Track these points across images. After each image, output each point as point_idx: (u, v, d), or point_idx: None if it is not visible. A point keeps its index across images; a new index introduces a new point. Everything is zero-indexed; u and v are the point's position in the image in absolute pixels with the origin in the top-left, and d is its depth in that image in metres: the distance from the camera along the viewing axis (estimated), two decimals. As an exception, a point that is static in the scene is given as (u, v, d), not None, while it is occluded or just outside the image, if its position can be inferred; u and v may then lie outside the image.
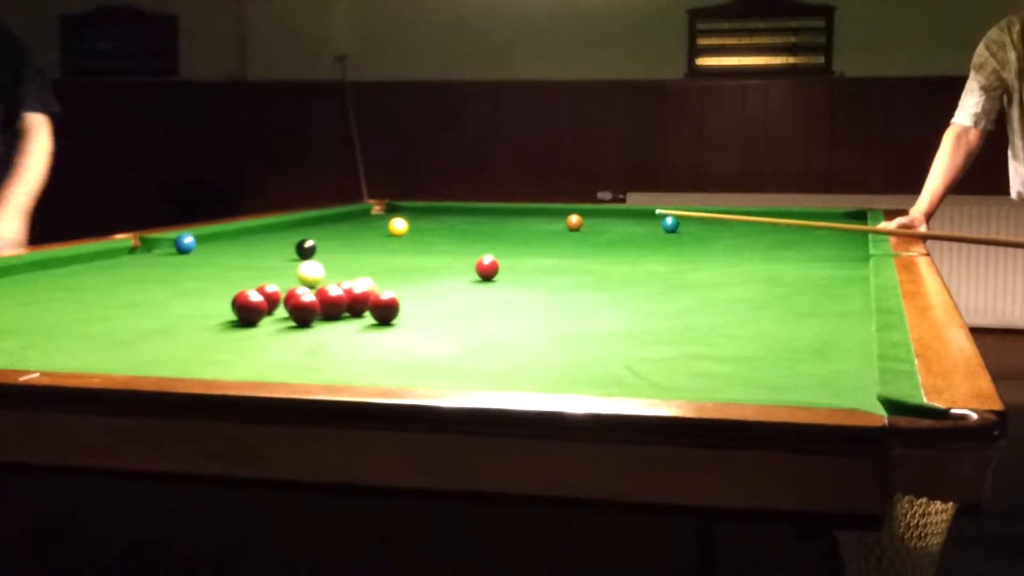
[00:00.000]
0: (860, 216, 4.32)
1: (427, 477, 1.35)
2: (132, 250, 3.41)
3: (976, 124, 3.58)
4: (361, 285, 2.22)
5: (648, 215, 4.71)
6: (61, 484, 1.67)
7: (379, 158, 7.56)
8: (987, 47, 3.54)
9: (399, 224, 4.04)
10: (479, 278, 2.77)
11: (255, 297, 2.11)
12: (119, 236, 3.45)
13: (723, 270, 3.03)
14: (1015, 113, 3.54)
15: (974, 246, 6.58)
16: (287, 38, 7.58)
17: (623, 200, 7.19)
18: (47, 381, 1.50)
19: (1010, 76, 3.48)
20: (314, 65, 7.58)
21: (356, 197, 6.67)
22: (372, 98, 7.60)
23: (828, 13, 7.15)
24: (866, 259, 2.93)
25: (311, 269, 2.63)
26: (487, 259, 2.79)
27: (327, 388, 1.47)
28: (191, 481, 1.44)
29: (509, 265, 2.93)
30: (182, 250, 3.36)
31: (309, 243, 3.29)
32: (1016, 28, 3.45)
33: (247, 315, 2.10)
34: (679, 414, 1.34)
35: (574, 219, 4.32)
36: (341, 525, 1.60)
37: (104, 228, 3.61)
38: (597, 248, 3.71)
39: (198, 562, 1.66)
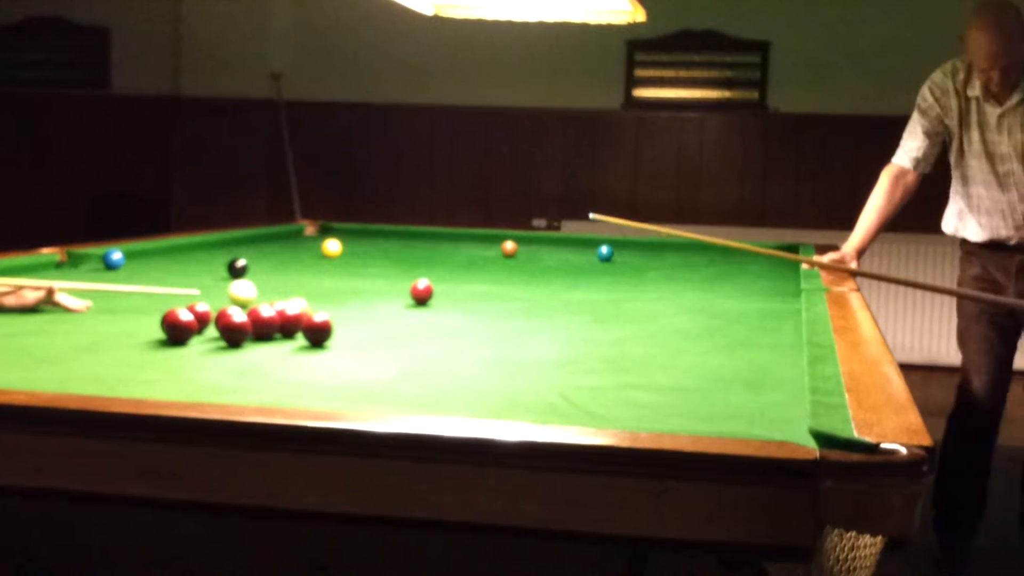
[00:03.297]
0: (792, 250, 4.37)
1: (360, 503, 1.33)
2: (58, 265, 3.34)
3: (915, 168, 3.55)
4: (294, 306, 2.20)
5: (583, 243, 4.73)
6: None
7: (313, 178, 7.51)
8: (931, 91, 3.51)
9: (332, 246, 4.01)
10: (413, 302, 2.76)
11: (185, 316, 2.09)
12: (45, 250, 3.38)
13: (657, 300, 3.05)
14: (954, 158, 3.54)
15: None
16: (222, 54, 7.51)
17: (558, 228, 7.21)
18: (-31, 397, 1.46)
19: (952, 123, 3.47)
20: (249, 82, 7.52)
21: (289, 217, 6.62)
22: (307, 117, 7.56)
23: (764, 49, 7.25)
24: (798, 293, 2.96)
25: (243, 289, 2.60)
26: (422, 283, 2.78)
27: (258, 410, 1.44)
28: (116, 502, 1.41)
29: (444, 290, 2.92)
30: (110, 266, 3.30)
31: (241, 262, 3.25)
32: (960, 76, 3.43)
33: (177, 334, 2.07)
34: (613, 443, 1.33)
35: (509, 245, 4.32)
36: (276, 552, 1.57)
37: (30, 242, 3.54)
38: (532, 275, 3.71)
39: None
